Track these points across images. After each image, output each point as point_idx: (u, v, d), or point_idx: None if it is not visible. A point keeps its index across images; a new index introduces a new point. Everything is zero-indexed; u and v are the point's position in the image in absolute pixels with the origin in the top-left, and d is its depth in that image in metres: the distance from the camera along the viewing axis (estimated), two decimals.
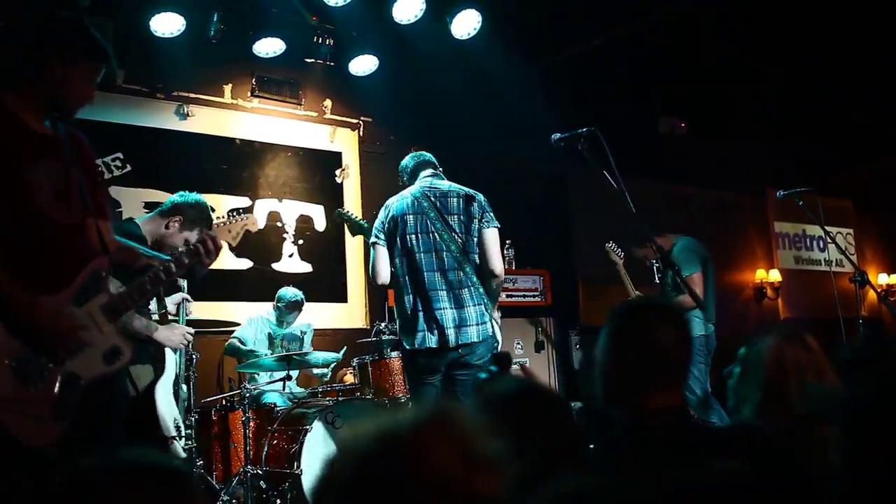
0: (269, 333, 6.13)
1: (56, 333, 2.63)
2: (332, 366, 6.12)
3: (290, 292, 6.20)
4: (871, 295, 10.06)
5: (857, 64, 7.72)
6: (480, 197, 4.60)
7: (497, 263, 4.46)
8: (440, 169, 4.77)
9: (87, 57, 2.81)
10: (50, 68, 2.73)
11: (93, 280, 2.78)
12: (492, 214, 4.57)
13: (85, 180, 2.86)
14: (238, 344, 5.93)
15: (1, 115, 2.71)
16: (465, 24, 6.70)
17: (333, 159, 7.57)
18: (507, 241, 6.88)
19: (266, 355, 5.74)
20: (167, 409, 4.34)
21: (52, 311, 2.64)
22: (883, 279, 11.53)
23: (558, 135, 4.14)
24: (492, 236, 4.49)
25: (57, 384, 2.63)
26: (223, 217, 3.47)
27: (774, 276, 10.45)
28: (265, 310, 6.30)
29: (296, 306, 6.15)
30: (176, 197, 4.35)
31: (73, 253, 2.77)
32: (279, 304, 6.15)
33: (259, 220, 6.84)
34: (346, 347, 6.06)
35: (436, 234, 4.36)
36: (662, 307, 2.18)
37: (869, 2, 6.68)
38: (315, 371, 6.19)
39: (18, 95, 2.76)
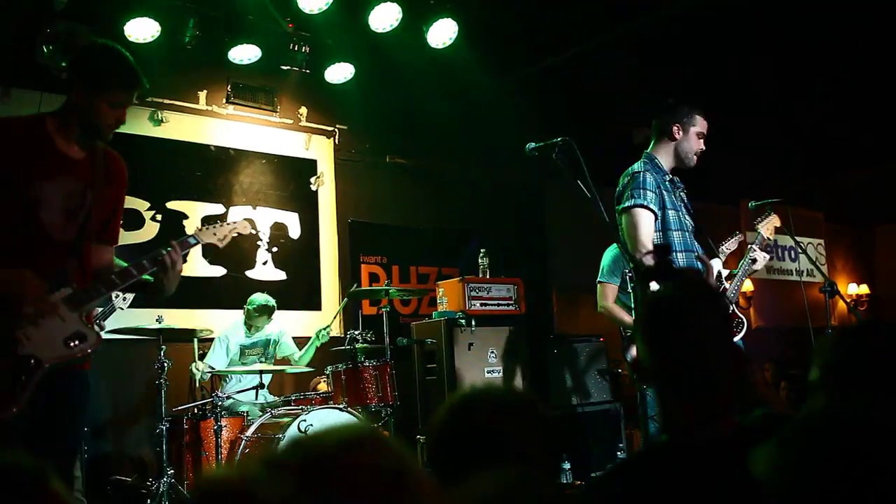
0: (241, 345, 6.09)
1: (18, 291, 2.74)
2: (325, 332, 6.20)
3: (261, 297, 6.18)
4: (841, 305, 10.14)
5: (830, 76, 7.82)
6: (627, 173, 4.08)
7: (635, 251, 3.88)
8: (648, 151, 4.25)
9: (113, 84, 2.95)
10: (76, 93, 2.93)
11: (59, 275, 2.87)
12: (629, 192, 3.97)
13: (101, 204, 3.01)
14: (206, 374, 5.88)
15: (37, 132, 2.91)
16: (442, 33, 6.72)
17: (308, 167, 7.55)
18: (483, 250, 6.90)
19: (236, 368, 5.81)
20: None
21: (17, 271, 2.76)
22: (853, 289, 11.68)
23: (533, 144, 4.16)
24: (624, 221, 3.98)
25: (13, 361, 2.71)
26: (206, 224, 3.51)
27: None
28: (231, 321, 6.26)
29: (265, 310, 6.12)
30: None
31: (52, 264, 2.87)
32: (249, 308, 6.13)
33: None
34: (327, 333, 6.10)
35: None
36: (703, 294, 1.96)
37: (844, 17, 6.76)
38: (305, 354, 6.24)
39: (57, 117, 2.96)
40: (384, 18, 6.52)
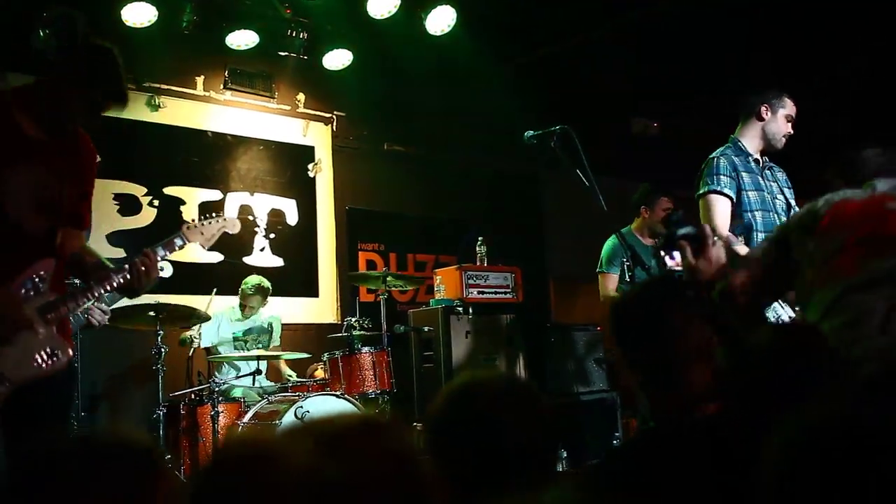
0: (235, 333, 6.10)
1: None
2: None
3: (256, 278, 6.23)
4: None
5: (824, 70, 7.81)
6: (706, 161, 4.07)
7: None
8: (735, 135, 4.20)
9: (97, 90, 2.79)
10: (55, 81, 2.75)
11: (34, 282, 2.71)
12: (704, 178, 3.98)
13: (72, 188, 2.83)
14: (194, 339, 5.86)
15: (2, 114, 2.71)
16: (440, 20, 6.70)
17: (306, 153, 7.54)
18: (480, 238, 6.90)
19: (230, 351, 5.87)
20: None
21: None
22: None
23: (531, 132, 4.16)
24: (700, 208, 4.01)
25: None
26: (195, 220, 3.41)
27: None
28: (230, 305, 6.27)
29: (259, 291, 6.14)
30: None
31: (26, 259, 2.72)
32: (244, 288, 6.15)
33: (230, 213, 6.88)
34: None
35: None
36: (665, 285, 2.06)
37: (843, 13, 6.75)
38: (285, 372, 6.23)
39: (24, 96, 2.78)
40: (383, 5, 6.50)
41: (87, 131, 2.95)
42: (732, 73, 7.74)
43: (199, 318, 5.37)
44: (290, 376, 6.14)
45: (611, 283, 5.56)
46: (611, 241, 5.60)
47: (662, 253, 2.23)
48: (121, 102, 2.87)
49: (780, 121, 4.10)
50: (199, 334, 5.82)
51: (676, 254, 2.28)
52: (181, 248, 3.19)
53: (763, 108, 4.09)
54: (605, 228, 5.21)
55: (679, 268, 2.22)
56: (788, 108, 4.12)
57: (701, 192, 3.98)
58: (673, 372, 1.87)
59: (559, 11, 6.79)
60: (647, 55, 7.46)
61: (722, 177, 3.94)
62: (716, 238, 2.34)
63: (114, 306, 4.83)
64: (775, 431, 1.16)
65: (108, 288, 2.90)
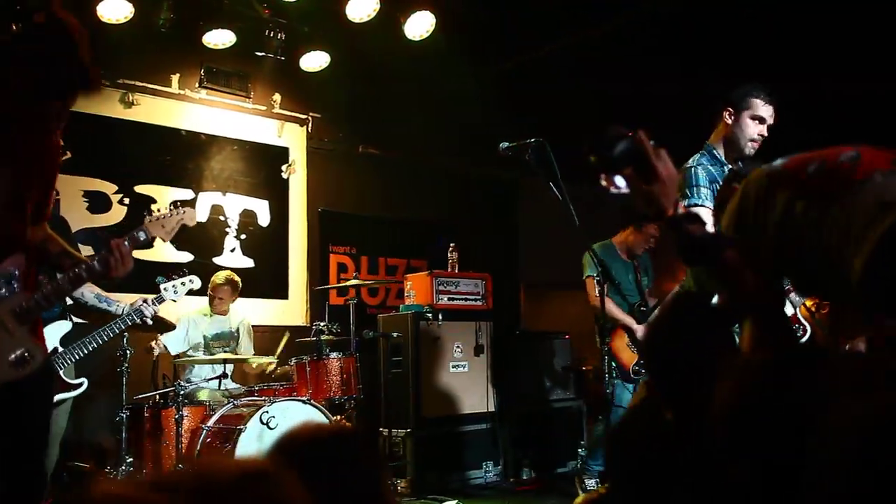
0: (204, 335, 6.06)
1: None
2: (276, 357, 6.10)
3: (226, 272, 6.23)
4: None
5: (812, 76, 7.87)
6: (682, 169, 3.73)
7: None
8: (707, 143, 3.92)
9: (31, 64, 2.60)
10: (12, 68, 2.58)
11: (4, 281, 2.65)
12: (683, 190, 3.67)
13: (40, 185, 2.74)
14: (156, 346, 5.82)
15: None
16: (419, 25, 6.70)
17: (280, 154, 7.49)
18: (452, 244, 6.89)
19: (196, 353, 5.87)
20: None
21: None
22: None
23: (507, 143, 4.17)
24: None
25: None
26: (157, 212, 3.36)
27: None
28: (197, 307, 6.22)
29: (229, 283, 6.12)
30: None
31: None
32: (216, 281, 6.13)
33: (201, 213, 6.84)
34: (287, 335, 6.12)
35: None
36: None
37: (823, 23, 6.80)
38: (255, 364, 6.15)
39: None
40: (361, 8, 6.49)
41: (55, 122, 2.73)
42: (710, 82, 7.78)
43: (165, 326, 5.30)
44: (272, 363, 6.09)
45: (592, 288, 5.55)
46: (586, 255, 5.60)
47: (603, 180, 1.96)
48: (76, 85, 2.62)
49: (744, 123, 3.78)
50: (164, 345, 5.77)
51: (619, 179, 1.98)
52: (143, 241, 3.12)
53: (726, 112, 3.83)
54: (581, 237, 5.22)
55: (626, 191, 1.95)
56: (755, 107, 3.79)
57: (682, 204, 3.83)
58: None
59: (538, 18, 6.80)
60: (627, 63, 7.48)
61: (702, 188, 3.68)
62: (653, 143, 2.02)
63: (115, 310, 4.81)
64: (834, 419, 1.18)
65: (83, 280, 2.85)
